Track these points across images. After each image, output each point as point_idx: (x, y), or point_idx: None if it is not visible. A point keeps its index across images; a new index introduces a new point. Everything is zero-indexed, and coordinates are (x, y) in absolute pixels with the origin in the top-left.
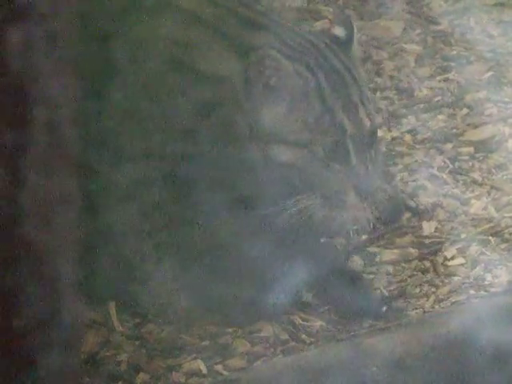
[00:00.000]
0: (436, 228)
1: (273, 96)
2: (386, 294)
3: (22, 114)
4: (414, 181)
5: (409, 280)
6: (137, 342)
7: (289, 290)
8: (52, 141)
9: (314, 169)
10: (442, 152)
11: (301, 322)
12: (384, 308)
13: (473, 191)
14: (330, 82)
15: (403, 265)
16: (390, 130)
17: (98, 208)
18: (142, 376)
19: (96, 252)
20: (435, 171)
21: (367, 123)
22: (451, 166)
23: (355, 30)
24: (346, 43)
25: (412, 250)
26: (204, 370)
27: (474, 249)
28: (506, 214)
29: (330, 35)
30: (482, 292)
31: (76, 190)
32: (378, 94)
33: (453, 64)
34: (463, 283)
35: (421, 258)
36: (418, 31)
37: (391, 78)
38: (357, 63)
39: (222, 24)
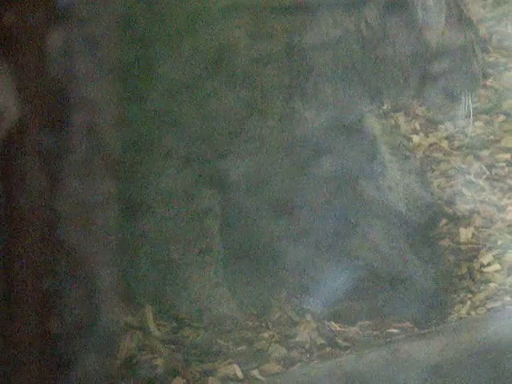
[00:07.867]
0: (473, 234)
1: None
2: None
3: (62, 118)
4: (450, 187)
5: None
6: (173, 347)
7: (327, 295)
8: (92, 145)
9: None
10: (478, 158)
11: (337, 327)
12: (421, 313)
13: (509, 198)
14: None
15: None
16: (427, 136)
17: (139, 212)
18: (177, 380)
19: (135, 256)
20: (472, 177)
21: None
22: (488, 172)
23: None
24: None
25: (449, 257)
26: (240, 375)
27: (511, 255)
28: None
29: None
30: None
31: (115, 194)
32: (416, 100)
33: (490, 71)
34: (499, 290)
35: (457, 265)
36: None
37: None
38: None
39: None
